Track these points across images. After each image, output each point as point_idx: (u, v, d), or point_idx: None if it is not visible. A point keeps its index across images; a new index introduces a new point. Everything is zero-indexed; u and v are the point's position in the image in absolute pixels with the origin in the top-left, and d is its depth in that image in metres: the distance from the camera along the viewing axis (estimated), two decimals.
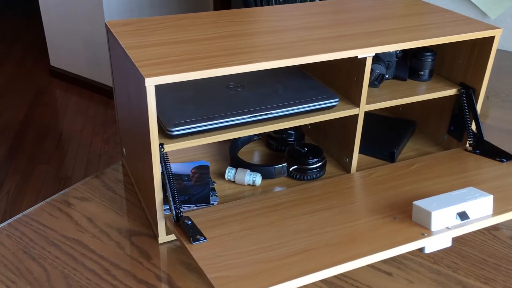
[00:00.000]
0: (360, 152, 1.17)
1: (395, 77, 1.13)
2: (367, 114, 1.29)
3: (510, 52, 2.01)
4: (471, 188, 0.83)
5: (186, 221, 0.84)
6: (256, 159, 1.15)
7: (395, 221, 0.81)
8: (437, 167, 1.02)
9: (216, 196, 1.00)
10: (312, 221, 0.83)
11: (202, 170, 1.08)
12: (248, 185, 1.04)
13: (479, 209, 0.80)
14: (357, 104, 1.01)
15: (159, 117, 0.89)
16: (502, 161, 1.03)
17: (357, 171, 1.09)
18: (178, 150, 1.15)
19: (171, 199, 0.84)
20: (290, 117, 0.96)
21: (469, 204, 0.79)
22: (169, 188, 0.84)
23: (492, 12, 2.04)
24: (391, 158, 1.14)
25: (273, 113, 0.93)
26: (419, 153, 1.18)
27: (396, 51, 1.09)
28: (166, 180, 0.84)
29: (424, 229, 0.78)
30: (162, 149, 0.85)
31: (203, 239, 0.79)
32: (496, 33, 1.02)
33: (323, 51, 0.89)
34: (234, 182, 1.05)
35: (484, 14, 2.08)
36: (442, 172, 0.99)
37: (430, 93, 1.08)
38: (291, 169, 1.06)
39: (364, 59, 0.95)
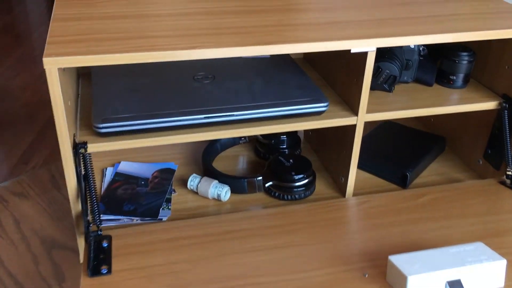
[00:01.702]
0: (368, 170, 0.94)
1: (419, 80, 0.89)
2: (386, 123, 1.05)
3: None
4: (479, 244, 0.59)
5: (102, 242, 0.67)
6: (238, 166, 0.95)
7: (363, 279, 0.59)
8: (453, 202, 0.78)
9: (169, 209, 0.82)
10: (253, 264, 0.63)
11: (165, 175, 0.90)
12: (214, 199, 0.85)
13: (484, 278, 0.56)
14: (355, 111, 0.79)
15: (93, 109, 0.72)
16: None
17: (355, 194, 0.87)
18: (145, 147, 0.98)
19: (83, 212, 0.67)
20: (260, 121, 0.75)
21: (469, 269, 0.55)
22: (81, 198, 0.67)
23: None
24: (402, 182, 0.90)
25: (236, 116, 0.73)
26: (444, 178, 0.94)
27: (419, 47, 0.85)
28: (82, 188, 0.67)
29: None
30: (83, 150, 0.68)
31: (106, 272, 0.61)
32: None
33: (299, 39, 0.68)
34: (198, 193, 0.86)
35: None
36: (457, 211, 0.75)
37: (460, 104, 0.83)
38: (267, 184, 0.85)
39: (364, 54, 0.73)
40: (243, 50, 0.65)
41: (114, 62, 0.61)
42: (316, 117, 0.78)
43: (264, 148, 0.96)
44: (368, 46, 0.70)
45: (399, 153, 0.95)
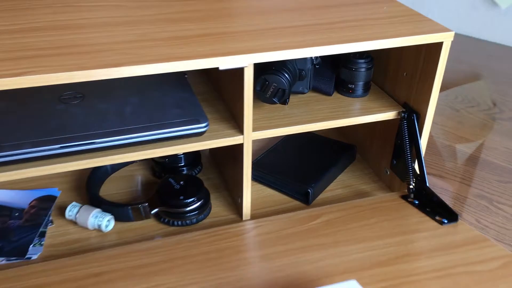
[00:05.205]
0: (272, 186, 0.88)
1: (317, 90, 0.83)
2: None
3: None
4: (352, 283, 0.54)
5: None
6: (132, 188, 0.87)
7: None
8: (347, 225, 0.72)
9: (41, 245, 0.74)
10: None
11: (44, 204, 0.82)
12: (95, 229, 0.78)
13: None
14: (242, 130, 0.72)
15: None
16: (442, 223, 0.72)
17: (255, 215, 0.81)
18: None
19: None
20: (130, 147, 0.68)
21: None
22: None
23: (503, 1, 1.67)
24: (305, 199, 0.84)
25: (98, 143, 0.65)
26: (350, 192, 0.88)
27: (311, 57, 0.79)
28: None
29: None
30: None
31: None
32: (445, 38, 0.71)
33: (151, 58, 0.60)
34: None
35: (494, 3, 1.71)
36: (349, 236, 0.70)
37: (357, 116, 0.78)
38: (153, 211, 0.78)
39: (241, 69, 0.66)
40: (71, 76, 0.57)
41: None
42: (196, 138, 0.71)
43: (159, 167, 0.89)
44: (239, 63, 0.63)
45: (303, 166, 0.89)
